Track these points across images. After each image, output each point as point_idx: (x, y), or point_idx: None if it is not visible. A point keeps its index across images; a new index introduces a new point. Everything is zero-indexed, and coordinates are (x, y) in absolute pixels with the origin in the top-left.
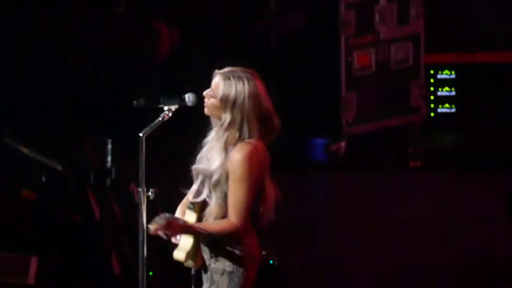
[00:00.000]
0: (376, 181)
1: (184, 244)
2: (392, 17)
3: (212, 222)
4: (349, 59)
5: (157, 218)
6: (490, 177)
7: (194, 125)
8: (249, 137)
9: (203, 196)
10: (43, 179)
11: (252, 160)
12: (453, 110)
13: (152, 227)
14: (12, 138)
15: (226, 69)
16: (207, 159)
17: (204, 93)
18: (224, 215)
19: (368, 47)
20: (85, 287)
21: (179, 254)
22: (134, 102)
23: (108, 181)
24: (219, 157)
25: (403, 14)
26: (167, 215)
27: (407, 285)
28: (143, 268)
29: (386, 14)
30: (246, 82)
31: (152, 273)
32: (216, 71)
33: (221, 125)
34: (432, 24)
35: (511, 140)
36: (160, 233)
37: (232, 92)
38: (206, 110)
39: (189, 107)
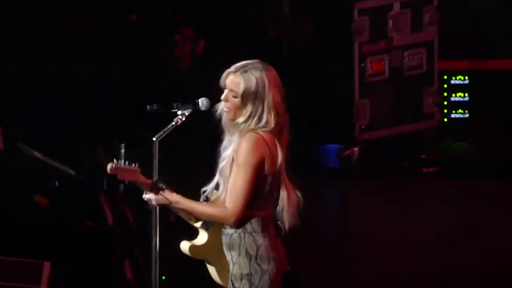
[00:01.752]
0: (389, 187)
1: (198, 238)
2: (406, 23)
3: (205, 203)
4: (362, 65)
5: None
6: (504, 184)
7: (209, 130)
8: (264, 127)
9: (212, 184)
10: (57, 184)
11: (257, 150)
12: (467, 115)
13: (110, 164)
14: (25, 143)
15: (237, 65)
16: (223, 156)
17: (223, 97)
18: None
19: (381, 53)
20: None
21: (184, 245)
22: (148, 107)
23: (121, 187)
24: (231, 148)
25: (416, 21)
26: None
27: None
28: (156, 273)
29: (400, 20)
30: (264, 71)
31: (165, 278)
32: (227, 71)
33: (242, 117)
34: (445, 31)
35: None
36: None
37: (253, 84)
38: (229, 114)
39: (203, 111)
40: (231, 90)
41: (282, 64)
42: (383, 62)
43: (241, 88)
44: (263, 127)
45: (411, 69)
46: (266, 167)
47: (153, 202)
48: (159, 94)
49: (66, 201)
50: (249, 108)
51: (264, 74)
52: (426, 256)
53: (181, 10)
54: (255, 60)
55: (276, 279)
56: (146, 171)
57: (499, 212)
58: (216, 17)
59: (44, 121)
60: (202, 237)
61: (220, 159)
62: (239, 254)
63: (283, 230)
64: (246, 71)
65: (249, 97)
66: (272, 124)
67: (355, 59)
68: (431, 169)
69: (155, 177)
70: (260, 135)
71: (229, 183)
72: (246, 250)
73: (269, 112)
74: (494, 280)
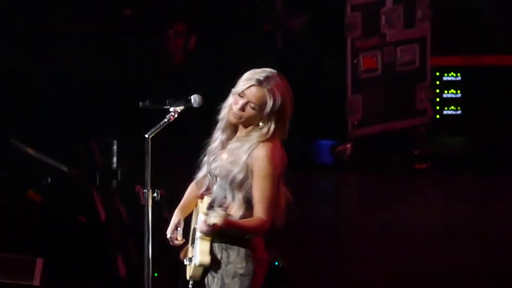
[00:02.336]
0: (381, 183)
1: (204, 248)
2: (398, 19)
3: (245, 220)
4: (355, 61)
5: (215, 213)
6: (495, 180)
7: (200, 126)
8: (273, 135)
9: (229, 199)
10: (49, 180)
11: (276, 157)
12: (459, 112)
13: (211, 222)
14: (17, 139)
15: (259, 78)
16: (230, 161)
17: (239, 106)
18: (243, 217)
19: (374, 49)
20: None
21: (205, 259)
22: (140, 103)
23: (114, 182)
24: (245, 156)
25: (409, 17)
26: (220, 211)
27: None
28: (148, 269)
29: (392, 16)
30: (285, 88)
31: (157, 274)
32: (249, 82)
33: (256, 127)
34: (438, 27)
35: None
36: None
37: (278, 103)
38: (240, 120)
39: (195, 108)
40: (251, 102)
41: (275, 60)
42: (375, 58)
43: (265, 103)
44: (275, 135)
45: (403, 65)
46: (280, 172)
47: (214, 229)
48: (152, 90)
49: (59, 197)
50: (266, 121)
51: (285, 90)
52: (418, 251)
53: (175, 6)
54: (274, 72)
55: (262, 279)
56: (140, 168)
57: (491, 207)
58: (210, 13)
59: (36, 118)
60: (207, 245)
61: (223, 170)
62: (238, 255)
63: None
64: (270, 87)
65: (269, 113)
66: (285, 135)
67: (347, 55)
68: (424, 165)
69: (162, 206)
70: (274, 142)
71: (257, 193)
72: (246, 252)
73: (283, 125)
74: (487, 275)
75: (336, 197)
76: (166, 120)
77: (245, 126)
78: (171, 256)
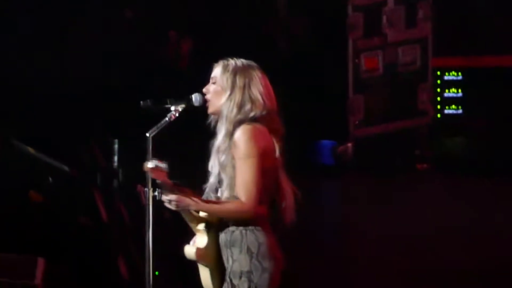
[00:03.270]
0: (383, 183)
1: (197, 241)
2: (400, 20)
3: (221, 201)
4: (357, 61)
5: (155, 163)
6: (496, 180)
7: (202, 126)
8: (254, 118)
9: (213, 180)
10: (50, 180)
11: (256, 139)
12: (460, 112)
13: (146, 164)
14: (19, 140)
15: (221, 60)
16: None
17: (204, 89)
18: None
19: (375, 49)
20: None
21: (189, 249)
22: (141, 102)
23: (115, 182)
24: (225, 137)
25: (410, 17)
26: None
27: None
28: (149, 268)
29: (394, 17)
30: (245, 63)
31: (158, 273)
32: (215, 65)
33: (224, 104)
34: (439, 27)
35: None
36: (168, 202)
37: (232, 70)
38: (210, 108)
39: (196, 107)
40: (212, 78)
41: (277, 61)
42: (377, 58)
43: (220, 72)
44: (250, 116)
45: (405, 65)
46: (265, 159)
47: (173, 203)
48: (154, 92)
49: (60, 197)
50: (227, 93)
51: (245, 64)
52: (420, 251)
53: (175, 9)
54: (242, 59)
55: (276, 277)
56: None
57: (492, 207)
58: (211, 16)
59: (38, 118)
60: (203, 240)
61: (214, 157)
62: (240, 251)
63: (280, 227)
64: (227, 60)
65: (227, 81)
66: (257, 112)
67: (349, 55)
68: (425, 165)
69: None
70: (255, 126)
71: (237, 178)
72: (248, 247)
73: (250, 100)
74: (487, 275)
75: (337, 197)
76: (167, 119)
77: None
78: (173, 256)
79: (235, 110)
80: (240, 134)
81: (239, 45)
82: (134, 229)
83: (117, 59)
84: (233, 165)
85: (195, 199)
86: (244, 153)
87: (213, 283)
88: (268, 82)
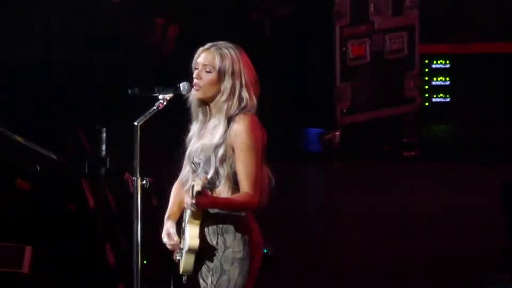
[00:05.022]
0: (369, 171)
1: (193, 232)
2: (387, 7)
3: (232, 197)
4: (344, 49)
5: (197, 182)
6: (484, 168)
7: (188, 114)
8: (247, 107)
9: (210, 174)
10: (38, 168)
11: (256, 130)
12: (448, 99)
13: (195, 190)
14: (6, 127)
15: (209, 44)
16: (212, 138)
17: (195, 74)
18: (232, 193)
19: (362, 37)
20: (79, 276)
21: (194, 242)
22: (129, 91)
23: (103, 170)
24: (222, 129)
25: (397, 4)
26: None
27: (401, 275)
28: (137, 257)
29: (381, 4)
30: (236, 50)
31: (146, 262)
32: (199, 49)
33: (221, 96)
34: (427, 14)
35: (505, 130)
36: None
37: (229, 59)
38: (199, 93)
39: (184, 95)
40: (205, 65)
41: (264, 48)
42: (364, 45)
43: (217, 62)
44: (247, 107)
45: (392, 53)
46: (261, 146)
47: (199, 206)
48: (141, 78)
49: (47, 184)
50: (226, 84)
51: (237, 52)
52: (406, 237)
53: None
54: (225, 42)
55: (259, 263)
56: (129, 156)
57: (479, 195)
58: (198, 2)
59: (25, 106)
60: (195, 230)
61: (204, 149)
62: (234, 238)
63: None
64: (220, 48)
65: (226, 71)
66: (254, 103)
67: (336, 43)
68: (412, 153)
69: (152, 193)
70: (253, 117)
71: (241, 168)
72: (241, 235)
73: (247, 91)
74: (474, 261)
75: (324, 185)
76: (155, 107)
77: (212, 100)
78: (161, 244)
79: (236, 104)
80: (241, 125)
81: (224, 32)
82: (122, 217)
83: (102, 44)
84: (232, 157)
85: (213, 198)
86: (247, 145)
87: (194, 267)
88: (251, 63)
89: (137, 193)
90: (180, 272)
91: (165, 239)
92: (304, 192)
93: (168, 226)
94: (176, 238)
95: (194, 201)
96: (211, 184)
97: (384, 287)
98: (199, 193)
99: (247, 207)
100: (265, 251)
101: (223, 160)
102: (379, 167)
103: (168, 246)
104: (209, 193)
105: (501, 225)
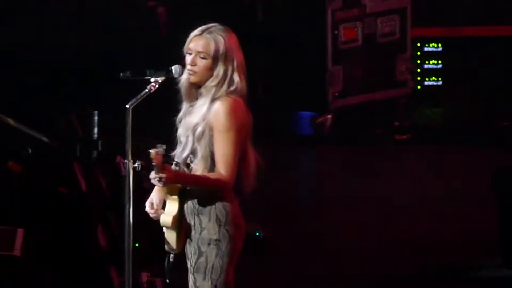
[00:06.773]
0: (361, 154)
1: (170, 209)
2: None
3: (202, 175)
4: (335, 32)
5: (159, 148)
6: (476, 151)
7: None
8: (237, 89)
9: (187, 152)
10: (29, 151)
11: (236, 113)
12: (440, 83)
13: (153, 151)
14: None
15: (199, 28)
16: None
17: (190, 61)
18: (207, 172)
19: (354, 20)
20: (71, 259)
21: (166, 218)
22: (121, 74)
23: (95, 153)
24: (204, 108)
25: None
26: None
27: (393, 259)
28: (129, 240)
29: None
30: (226, 33)
31: (138, 245)
32: (191, 35)
33: (214, 80)
34: None
35: (497, 113)
36: (157, 180)
37: (222, 44)
38: (195, 78)
39: (176, 78)
40: (199, 52)
41: (256, 31)
42: (356, 29)
43: (211, 48)
44: (235, 91)
45: (384, 36)
46: (244, 128)
47: (163, 181)
48: (133, 61)
49: (39, 167)
50: (220, 70)
51: (228, 35)
52: (398, 221)
53: None
54: (214, 23)
55: (239, 245)
56: (121, 138)
57: (471, 178)
58: None
59: (17, 89)
60: (174, 207)
61: (186, 127)
62: (209, 220)
63: (242, 192)
64: (212, 32)
65: (219, 57)
66: (243, 86)
67: (328, 26)
68: (404, 136)
69: (143, 177)
70: (234, 98)
71: (217, 151)
72: (217, 216)
73: (238, 74)
74: (466, 245)
75: (316, 168)
76: (147, 90)
77: (204, 83)
78: (152, 227)
79: (225, 86)
80: (221, 106)
81: (216, 16)
82: (114, 200)
83: (95, 27)
84: (210, 136)
85: (179, 174)
86: (225, 126)
87: (177, 245)
88: (240, 47)
89: (129, 176)
90: (166, 248)
91: (147, 208)
92: (296, 176)
93: (153, 196)
94: (157, 208)
95: (157, 176)
96: (188, 162)
97: (376, 269)
98: (158, 168)
99: (218, 187)
100: (257, 234)
101: (199, 138)
102: (371, 150)
103: (151, 215)
104: (171, 167)
105: (493, 209)
